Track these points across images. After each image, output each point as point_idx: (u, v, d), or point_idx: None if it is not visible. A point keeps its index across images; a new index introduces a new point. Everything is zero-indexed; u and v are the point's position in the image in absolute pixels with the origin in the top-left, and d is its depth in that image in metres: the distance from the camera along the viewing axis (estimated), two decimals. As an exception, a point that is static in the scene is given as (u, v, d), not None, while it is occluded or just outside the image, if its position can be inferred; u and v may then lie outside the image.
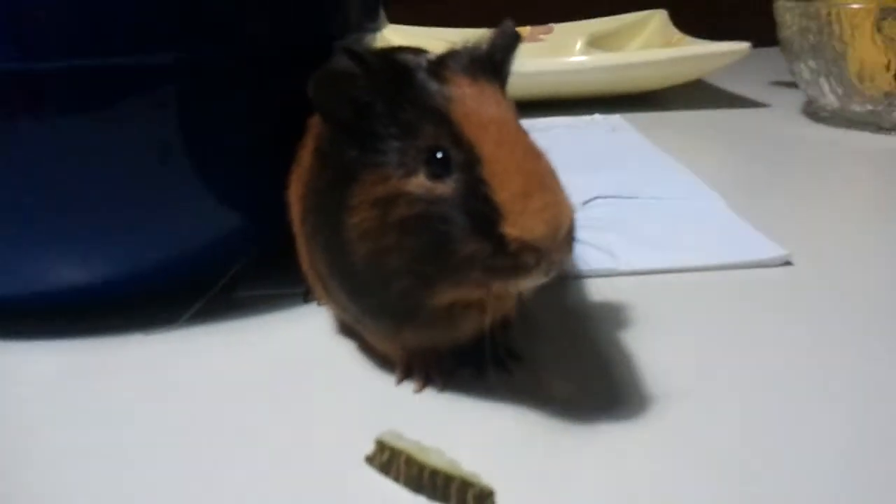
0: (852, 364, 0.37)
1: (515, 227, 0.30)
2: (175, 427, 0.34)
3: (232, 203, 0.44)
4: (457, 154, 0.31)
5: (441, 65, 0.33)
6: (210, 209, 0.43)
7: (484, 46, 0.34)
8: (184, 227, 0.42)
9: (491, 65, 0.34)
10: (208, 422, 0.35)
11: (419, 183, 0.31)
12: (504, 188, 0.30)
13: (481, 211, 0.30)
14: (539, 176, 0.31)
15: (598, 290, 0.46)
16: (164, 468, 0.32)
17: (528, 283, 0.31)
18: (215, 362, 0.40)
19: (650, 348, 0.39)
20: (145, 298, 0.44)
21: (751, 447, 0.31)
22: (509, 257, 0.30)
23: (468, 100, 0.32)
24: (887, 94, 0.79)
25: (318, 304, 0.44)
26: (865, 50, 0.78)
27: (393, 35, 0.90)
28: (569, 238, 0.31)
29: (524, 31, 1.15)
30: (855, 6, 0.79)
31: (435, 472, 0.29)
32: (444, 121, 0.31)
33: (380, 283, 0.33)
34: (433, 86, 0.32)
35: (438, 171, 0.31)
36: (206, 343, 0.41)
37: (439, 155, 0.31)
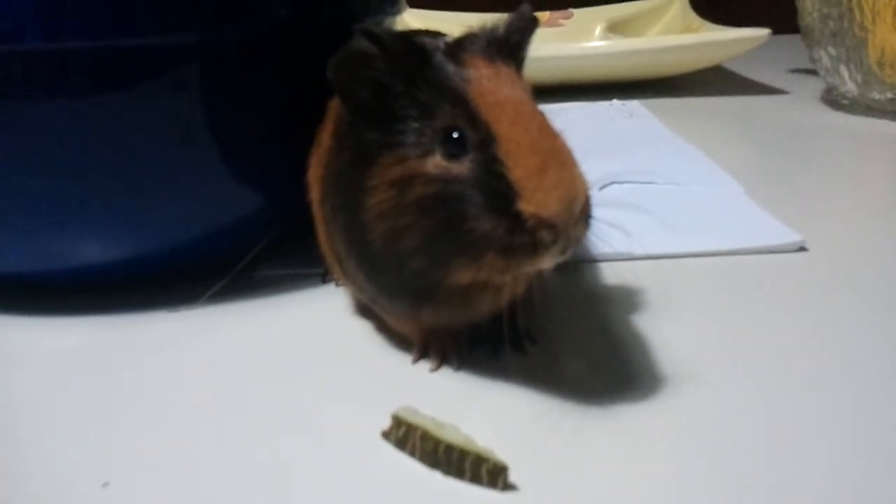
0: (865, 349, 0.38)
1: (531, 204, 0.30)
2: (196, 402, 0.35)
3: (253, 184, 0.44)
4: (472, 134, 0.31)
5: (458, 47, 0.34)
6: (232, 190, 0.43)
7: (500, 29, 0.35)
8: (206, 208, 0.43)
9: (507, 47, 0.34)
10: (229, 397, 0.35)
11: (436, 163, 0.32)
12: (519, 166, 0.30)
13: (497, 189, 0.30)
14: (554, 153, 0.31)
15: (614, 274, 0.46)
16: (185, 442, 0.32)
17: (545, 262, 0.31)
18: (236, 339, 0.41)
19: (665, 332, 0.39)
20: (169, 277, 0.45)
21: (763, 431, 0.32)
22: (526, 234, 0.30)
23: (484, 81, 0.32)
24: (908, 82, 0.78)
25: (337, 285, 0.45)
26: (886, 37, 0.78)
27: (412, 19, 0.90)
28: (584, 215, 0.32)
29: (543, 15, 1.15)
30: (876, -7, 0.78)
31: (450, 448, 0.29)
32: (460, 101, 0.32)
33: (397, 263, 0.33)
34: (450, 67, 0.33)
35: (454, 150, 0.32)
36: (228, 321, 0.42)
37: (455, 135, 0.32)
